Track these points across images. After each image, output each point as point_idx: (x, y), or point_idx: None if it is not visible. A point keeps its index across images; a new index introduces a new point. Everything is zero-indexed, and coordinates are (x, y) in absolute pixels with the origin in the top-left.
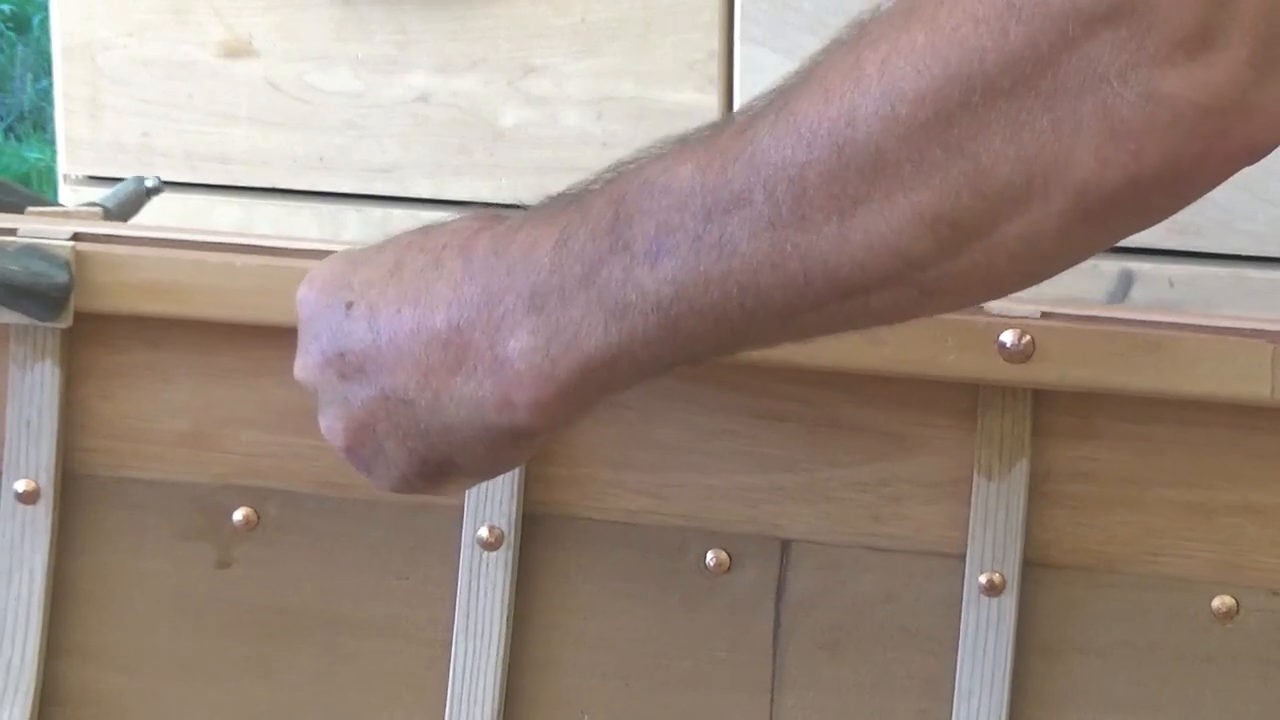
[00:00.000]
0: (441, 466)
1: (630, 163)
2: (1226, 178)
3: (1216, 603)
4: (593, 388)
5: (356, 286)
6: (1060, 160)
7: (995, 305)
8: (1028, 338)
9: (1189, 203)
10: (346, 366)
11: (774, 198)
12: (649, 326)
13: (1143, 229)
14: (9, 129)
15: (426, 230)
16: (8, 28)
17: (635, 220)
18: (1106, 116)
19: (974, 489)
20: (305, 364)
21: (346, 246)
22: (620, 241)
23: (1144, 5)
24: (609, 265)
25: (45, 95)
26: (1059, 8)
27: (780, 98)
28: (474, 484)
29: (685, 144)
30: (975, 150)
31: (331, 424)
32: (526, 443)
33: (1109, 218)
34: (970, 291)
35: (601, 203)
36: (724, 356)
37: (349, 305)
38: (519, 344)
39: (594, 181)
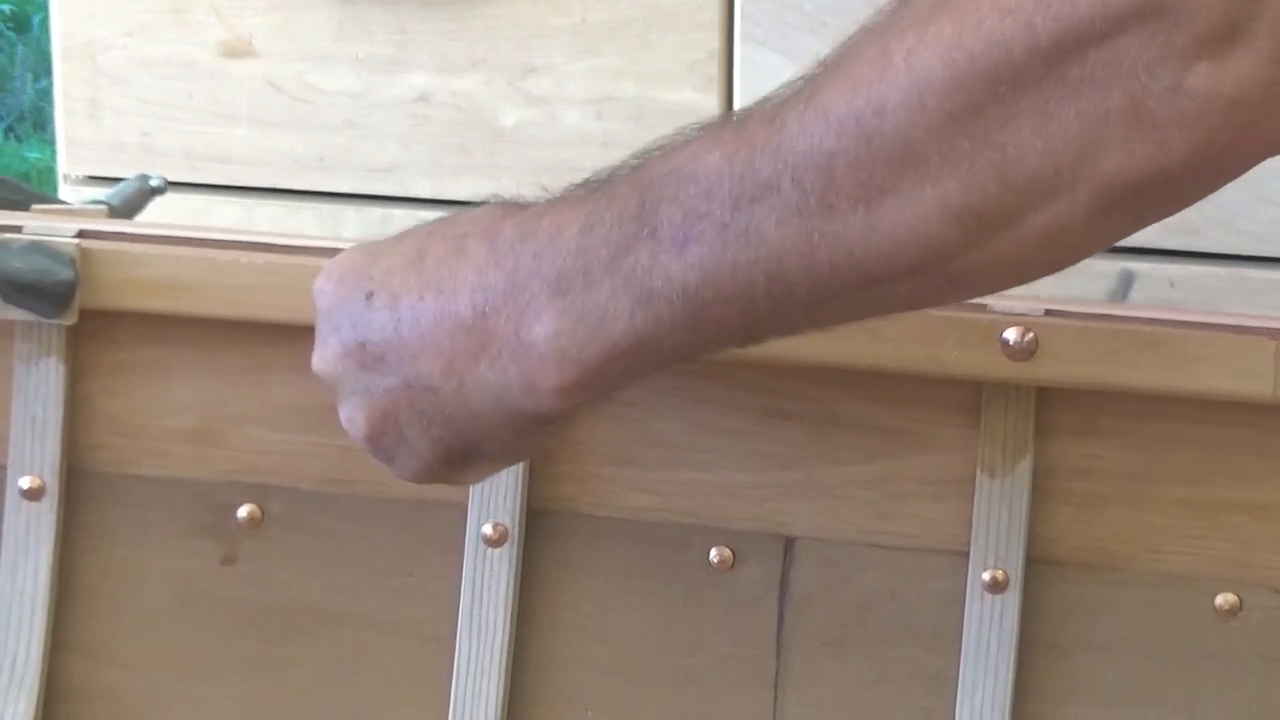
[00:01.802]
0: (465, 454)
1: (656, 150)
2: (1249, 169)
3: (1220, 600)
4: (617, 373)
5: (377, 276)
6: (1087, 152)
7: (998, 303)
8: (1031, 335)
9: (1212, 192)
10: (367, 356)
11: (801, 187)
12: (675, 313)
13: (1166, 217)
14: (9, 129)
15: (447, 219)
16: (8, 28)
17: (662, 207)
18: (1134, 109)
19: (977, 486)
20: (324, 355)
21: (352, 244)
22: (647, 228)
23: (1173, 2)
24: (635, 251)
25: (45, 95)
26: (1087, 4)
27: (808, 86)
28: (497, 470)
29: (712, 131)
30: (1002, 141)
31: (353, 415)
32: (551, 427)
33: (1133, 207)
34: (995, 280)
35: (627, 189)
36: (748, 345)
37: (369, 295)
38: (544, 328)
39: (620, 168)
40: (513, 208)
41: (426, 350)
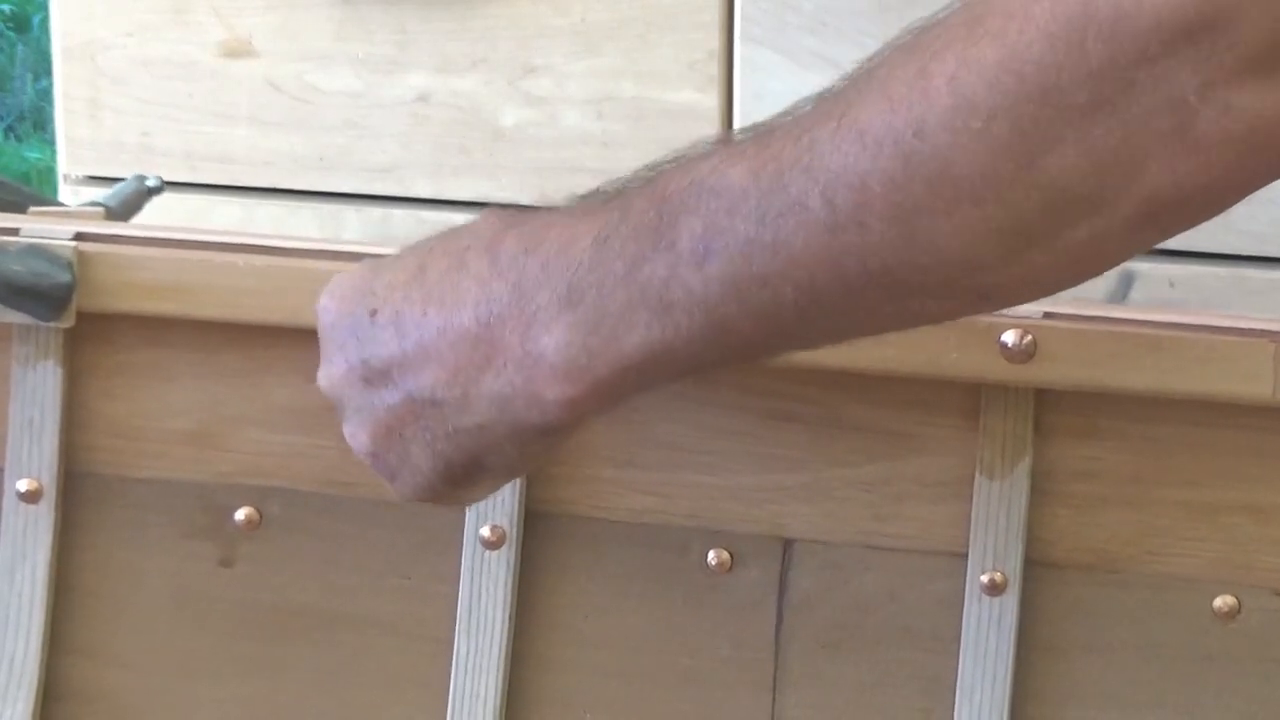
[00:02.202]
0: (467, 469)
1: (669, 163)
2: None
3: (1218, 602)
4: (628, 384)
5: (379, 292)
6: (1132, 171)
7: None
8: (1030, 337)
9: (1237, 202)
10: (372, 373)
11: (833, 204)
12: (694, 326)
13: (1193, 227)
14: (9, 129)
15: (446, 234)
16: (8, 28)
17: (681, 220)
18: (1182, 130)
19: (976, 488)
20: (329, 373)
21: (350, 244)
22: (665, 240)
23: (1224, 24)
24: (652, 263)
25: (45, 95)
26: (1141, 26)
27: (836, 104)
28: (497, 486)
29: (733, 146)
30: (1047, 164)
31: (355, 431)
32: (555, 439)
33: (1168, 220)
34: (1027, 293)
35: (643, 202)
36: (768, 357)
37: (373, 312)
38: (553, 339)
39: (630, 181)
40: (512, 219)
41: (430, 363)
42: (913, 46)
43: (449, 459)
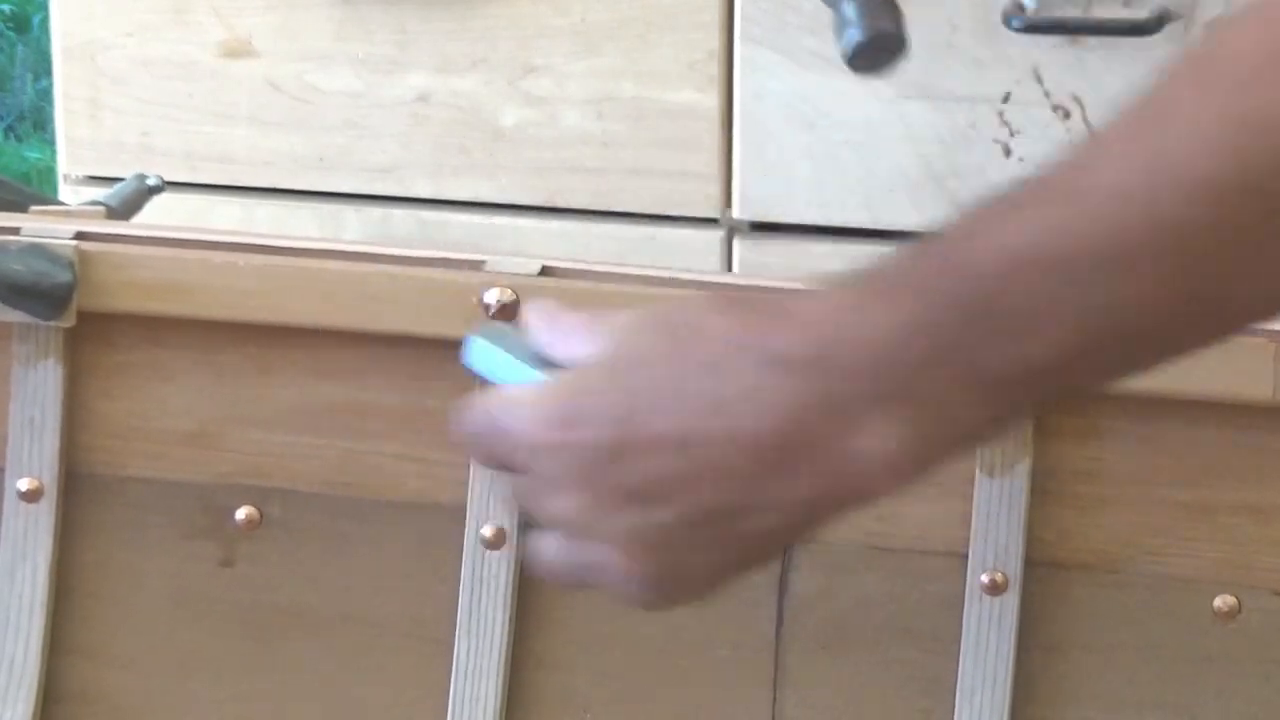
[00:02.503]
0: (747, 567)
1: (951, 234)
2: None
3: (1218, 602)
4: (950, 460)
5: (623, 416)
6: None
7: None
8: None
9: None
10: (634, 496)
11: (1183, 258)
12: (1030, 394)
13: None
14: (9, 129)
15: (663, 335)
16: (8, 28)
17: (1001, 295)
18: None
19: (976, 488)
20: (574, 504)
21: (350, 244)
22: (993, 321)
23: None
24: (980, 346)
25: (45, 95)
26: None
27: (1148, 153)
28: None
29: (1027, 208)
30: None
31: (614, 556)
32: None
33: None
34: None
35: (947, 282)
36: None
37: (623, 435)
38: (879, 436)
39: (905, 260)
40: (757, 314)
41: (720, 479)
42: (1207, 84)
43: (736, 564)
